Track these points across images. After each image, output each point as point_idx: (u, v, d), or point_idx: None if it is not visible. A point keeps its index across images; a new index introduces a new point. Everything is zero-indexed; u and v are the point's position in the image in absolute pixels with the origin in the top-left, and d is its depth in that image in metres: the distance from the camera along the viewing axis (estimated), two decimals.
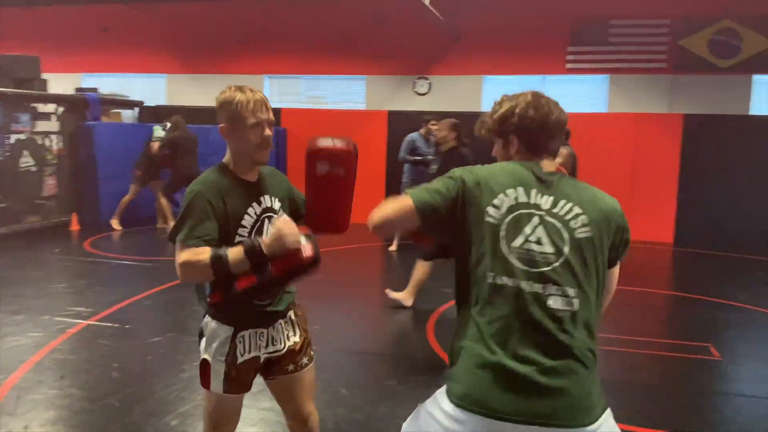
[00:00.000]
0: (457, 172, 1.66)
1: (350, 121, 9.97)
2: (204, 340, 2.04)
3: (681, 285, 6.76)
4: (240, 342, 2.01)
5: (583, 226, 1.57)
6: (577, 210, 1.59)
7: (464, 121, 8.24)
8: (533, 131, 1.71)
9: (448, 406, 1.51)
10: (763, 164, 8.42)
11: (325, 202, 2.05)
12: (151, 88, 11.24)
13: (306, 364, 2.18)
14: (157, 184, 8.52)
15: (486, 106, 9.62)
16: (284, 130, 10.33)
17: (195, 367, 3.75)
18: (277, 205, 2.07)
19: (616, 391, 3.77)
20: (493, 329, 1.50)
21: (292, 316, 2.18)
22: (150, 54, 11.09)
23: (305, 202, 2.11)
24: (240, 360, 2.01)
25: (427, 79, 9.81)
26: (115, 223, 8.46)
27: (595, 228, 1.58)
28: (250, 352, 2.04)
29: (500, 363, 1.46)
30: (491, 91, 9.67)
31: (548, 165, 1.71)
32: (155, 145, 8.23)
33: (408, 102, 9.90)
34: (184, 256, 1.84)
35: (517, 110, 1.71)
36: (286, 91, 10.71)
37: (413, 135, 7.45)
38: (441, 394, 1.57)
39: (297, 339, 2.16)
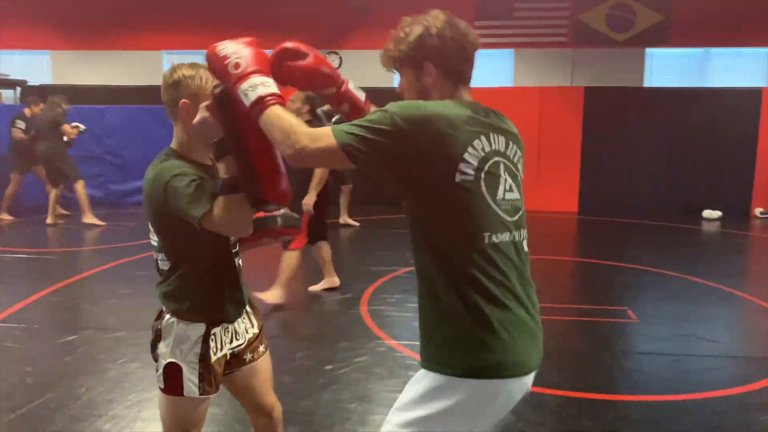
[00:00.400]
0: (396, 118, 1.38)
1: None
2: (168, 342, 1.84)
3: (591, 252, 7.10)
4: (212, 340, 1.86)
5: (521, 164, 1.56)
6: (517, 149, 1.55)
7: (378, 96, 8.31)
8: (454, 55, 1.53)
9: (490, 384, 1.41)
10: (657, 133, 9.02)
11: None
12: (33, 66, 10.26)
13: (263, 352, 2.05)
14: (41, 170, 7.84)
15: (396, 80, 9.60)
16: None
17: (121, 365, 3.52)
18: None
19: (548, 358, 3.90)
20: (500, 289, 1.42)
21: (248, 308, 2.05)
22: (30, 28, 10.10)
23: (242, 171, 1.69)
24: (213, 359, 1.86)
25: (337, 54, 9.63)
26: (5, 216, 7.71)
27: (522, 163, 1.59)
28: (221, 349, 1.90)
29: (521, 319, 1.45)
30: None
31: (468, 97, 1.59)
32: (17, 132, 7.60)
33: None
34: (217, 212, 1.61)
35: (434, 31, 1.50)
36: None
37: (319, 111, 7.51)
38: (460, 384, 1.41)
39: (255, 330, 2.03)
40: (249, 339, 1.99)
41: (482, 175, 1.42)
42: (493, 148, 1.47)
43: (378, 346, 3.82)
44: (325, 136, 1.39)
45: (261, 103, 1.44)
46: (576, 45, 9.18)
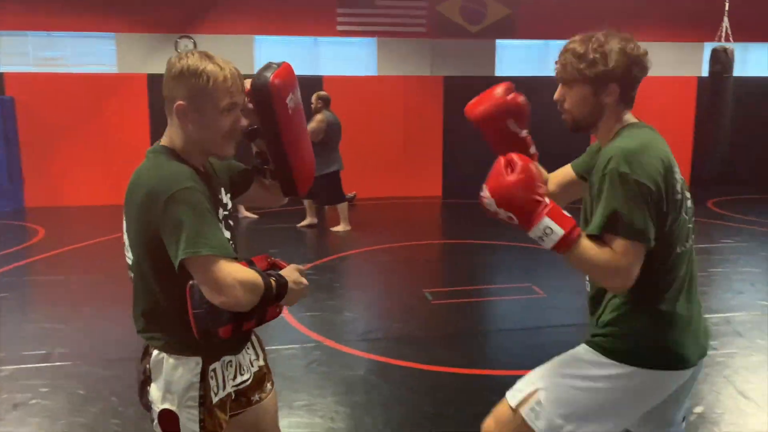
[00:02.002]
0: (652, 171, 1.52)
1: (99, 87, 8.66)
2: (158, 384, 1.51)
3: (470, 234, 7.41)
4: (212, 378, 1.55)
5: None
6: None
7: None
8: (636, 81, 1.64)
9: (678, 373, 1.63)
10: (536, 119, 9.64)
11: (304, 146, 1.79)
12: None
13: (270, 389, 1.80)
14: None
15: (259, 68, 9.17)
16: (11, 99, 8.50)
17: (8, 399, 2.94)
18: (227, 199, 1.65)
19: (479, 340, 4.01)
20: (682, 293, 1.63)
21: (253, 336, 1.77)
22: None
23: (276, 164, 1.73)
24: (215, 401, 1.55)
25: (191, 38, 8.91)
26: None
27: None
28: (224, 388, 1.59)
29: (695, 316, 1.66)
30: (264, 53, 9.23)
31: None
32: None
33: None
34: (237, 271, 1.38)
35: (632, 55, 1.60)
36: (8, 51, 8.72)
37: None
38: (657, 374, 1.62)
39: (261, 362, 1.77)
40: (255, 374, 1.71)
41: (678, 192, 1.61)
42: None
43: (304, 341, 3.64)
44: (633, 249, 1.49)
45: (558, 247, 1.51)
46: (434, 36, 9.46)
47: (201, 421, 1.52)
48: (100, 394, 3.17)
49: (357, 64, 9.50)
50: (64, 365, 3.52)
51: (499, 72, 9.76)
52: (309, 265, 5.62)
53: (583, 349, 1.70)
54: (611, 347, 1.63)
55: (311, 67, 9.32)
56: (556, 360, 1.74)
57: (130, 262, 1.55)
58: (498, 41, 9.72)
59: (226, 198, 1.63)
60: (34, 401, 3.09)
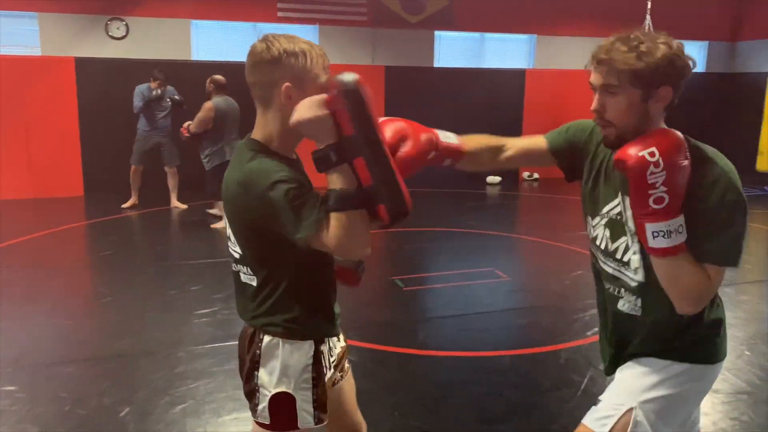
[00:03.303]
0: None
1: (21, 70, 8.04)
2: (271, 368, 1.55)
3: (423, 221, 7.58)
4: (323, 359, 1.61)
5: None
6: None
7: (171, 69, 7.61)
8: (683, 84, 1.48)
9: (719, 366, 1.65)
10: (446, 110, 9.89)
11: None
12: None
13: (348, 368, 1.87)
14: None
15: (197, 54, 8.87)
16: None
17: None
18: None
19: (458, 323, 4.18)
20: None
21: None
22: None
23: (380, 180, 1.44)
24: (326, 379, 1.63)
25: (122, 20, 8.45)
26: None
27: None
28: (330, 368, 1.68)
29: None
30: (201, 39, 8.92)
31: None
32: None
33: (100, 47, 8.40)
34: (336, 231, 1.38)
35: (681, 53, 1.44)
36: None
37: (144, 85, 7.20)
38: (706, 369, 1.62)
39: (343, 343, 1.83)
40: (338, 354, 1.77)
41: None
42: None
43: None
44: (722, 275, 1.47)
45: (676, 248, 1.42)
46: (376, 25, 9.51)
47: (315, 401, 1.57)
48: (51, 395, 3.06)
49: None
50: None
51: (437, 63, 9.97)
52: None
53: (649, 361, 1.62)
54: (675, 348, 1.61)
55: None
56: (624, 378, 1.65)
57: (237, 255, 1.59)
58: (437, 32, 9.90)
59: None
60: None
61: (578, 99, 10.52)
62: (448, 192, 9.24)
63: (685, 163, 1.38)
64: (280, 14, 9.02)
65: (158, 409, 2.92)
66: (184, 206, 7.59)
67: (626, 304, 1.63)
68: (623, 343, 1.68)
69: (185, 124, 6.29)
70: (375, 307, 4.41)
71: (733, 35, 11.58)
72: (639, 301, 1.59)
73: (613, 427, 1.53)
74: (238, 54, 9.06)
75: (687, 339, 1.58)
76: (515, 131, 10.37)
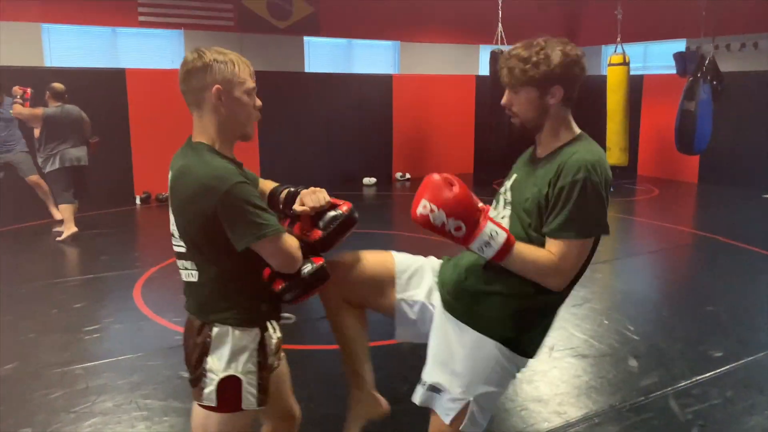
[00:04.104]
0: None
1: None
2: (220, 354, 1.67)
3: None
4: (267, 345, 1.76)
5: None
6: None
7: (21, 77, 7.08)
8: (578, 83, 1.73)
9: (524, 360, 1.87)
10: (317, 114, 10.07)
11: None
12: None
13: (284, 355, 2.02)
14: None
15: (50, 60, 8.25)
16: None
17: None
18: None
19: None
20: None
21: None
22: None
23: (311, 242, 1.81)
24: (269, 364, 1.77)
25: None
26: None
27: None
28: (272, 354, 1.80)
29: None
30: (55, 44, 8.31)
31: None
32: None
33: None
34: (291, 242, 1.65)
35: (574, 58, 1.70)
36: None
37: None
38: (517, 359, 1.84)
39: (279, 334, 1.94)
40: (277, 341, 1.89)
41: None
42: None
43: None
44: (576, 249, 1.66)
45: (499, 255, 1.65)
46: (243, 30, 9.45)
47: (259, 384, 1.71)
48: None
49: (162, 56, 9.07)
50: None
51: (308, 68, 10.11)
52: (154, 268, 5.42)
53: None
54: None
55: (110, 59, 8.66)
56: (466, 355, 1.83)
57: (182, 250, 1.69)
58: (306, 38, 10.04)
59: None
60: None
61: (442, 102, 11.27)
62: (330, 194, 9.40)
63: (453, 190, 1.65)
64: (141, 18, 8.66)
65: (65, 428, 2.80)
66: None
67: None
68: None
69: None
70: (293, 310, 4.45)
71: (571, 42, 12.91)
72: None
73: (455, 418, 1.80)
74: (97, 59, 8.57)
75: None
76: (386, 133, 10.84)
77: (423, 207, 1.65)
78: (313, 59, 10.25)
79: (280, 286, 1.70)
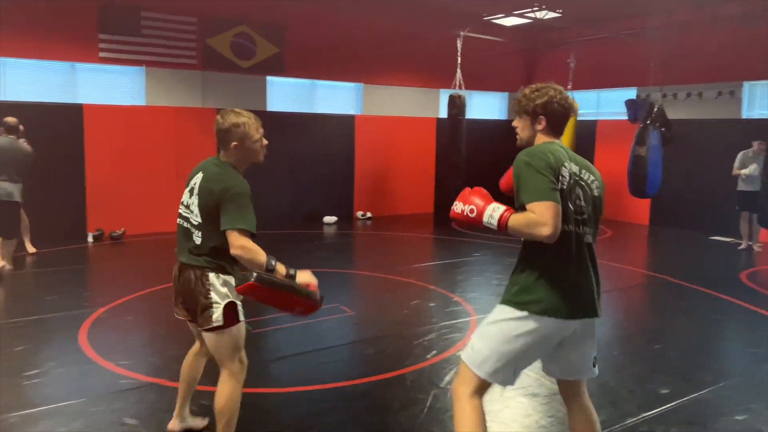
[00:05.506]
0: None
1: None
2: (221, 290, 2.61)
3: None
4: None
5: (597, 187, 2.44)
6: (591, 177, 2.43)
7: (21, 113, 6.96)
8: (561, 117, 2.44)
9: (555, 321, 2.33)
10: (280, 153, 10.09)
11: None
12: None
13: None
14: None
15: (5, 94, 8.12)
16: None
17: None
18: None
19: (299, 362, 4.32)
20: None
21: None
22: None
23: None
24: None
25: None
26: None
27: (598, 188, 2.44)
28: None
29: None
30: (10, 78, 8.20)
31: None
32: None
33: None
34: (245, 242, 2.51)
35: (555, 100, 2.40)
36: None
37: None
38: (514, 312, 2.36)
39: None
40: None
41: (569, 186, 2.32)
42: (574, 170, 2.37)
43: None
44: (544, 206, 2.17)
45: (501, 221, 2.28)
46: (206, 68, 9.49)
47: (241, 303, 2.69)
48: None
49: (123, 93, 9.01)
50: None
51: (270, 107, 10.17)
52: (103, 309, 5.28)
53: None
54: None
55: (68, 94, 8.56)
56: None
57: (195, 222, 2.65)
58: (269, 77, 10.14)
59: None
60: None
61: (403, 143, 11.45)
62: (288, 233, 9.38)
63: (471, 191, 2.43)
64: (102, 54, 8.62)
65: None
66: (34, 249, 7.17)
67: None
68: None
69: None
70: None
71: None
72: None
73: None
74: (55, 94, 8.47)
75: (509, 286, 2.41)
76: (348, 173, 10.92)
77: (454, 206, 2.43)
78: (275, 98, 10.33)
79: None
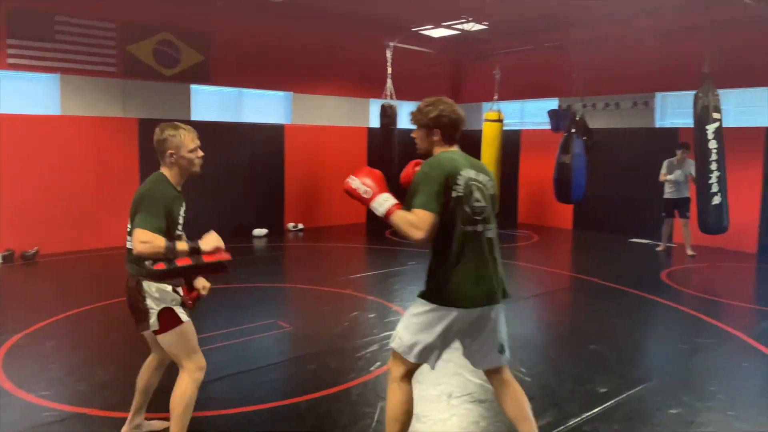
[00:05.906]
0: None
1: None
2: (155, 298, 2.74)
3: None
4: (177, 291, 2.84)
5: (491, 186, 2.73)
6: (486, 177, 2.72)
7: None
8: (452, 128, 2.74)
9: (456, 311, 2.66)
10: (206, 164, 9.73)
11: None
12: None
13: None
14: None
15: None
16: None
17: None
18: (183, 218, 2.94)
19: (238, 382, 4.16)
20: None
21: None
22: None
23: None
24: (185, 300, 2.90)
25: None
26: None
27: (492, 187, 2.75)
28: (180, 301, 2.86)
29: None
30: None
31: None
32: None
33: None
34: (143, 235, 2.60)
35: (445, 113, 2.70)
36: None
37: None
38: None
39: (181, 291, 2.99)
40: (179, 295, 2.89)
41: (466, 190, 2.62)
42: (470, 175, 2.65)
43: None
44: (426, 215, 2.51)
45: (388, 212, 2.60)
46: (127, 76, 9.06)
47: (181, 305, 2.81)
48: None
49: (35, 101, 8.45)
50: None
51: (194, 116, 9.83)
52: (19, 335, 4.88)
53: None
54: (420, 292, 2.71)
55: None
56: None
57: (129, 229, 2.79)
58: (193, 86, 9.80)
59: (183, 216, 2.92)
60: None
61: (334, 152, 11.37)
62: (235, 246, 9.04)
63: (370, 171, 2.74)
64: (10, 60, 8.05)
65: None
66: None
67: None
68: None
69: None
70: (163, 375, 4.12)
71: (455, 99, 13.65)
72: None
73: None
74: None
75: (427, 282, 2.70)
76: (278, 183, 10.72)
77: (350, 180, 2.72)
78: (200, 107, 10.00)
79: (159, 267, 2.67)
